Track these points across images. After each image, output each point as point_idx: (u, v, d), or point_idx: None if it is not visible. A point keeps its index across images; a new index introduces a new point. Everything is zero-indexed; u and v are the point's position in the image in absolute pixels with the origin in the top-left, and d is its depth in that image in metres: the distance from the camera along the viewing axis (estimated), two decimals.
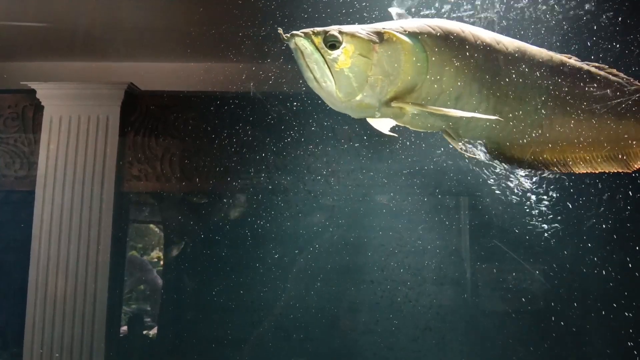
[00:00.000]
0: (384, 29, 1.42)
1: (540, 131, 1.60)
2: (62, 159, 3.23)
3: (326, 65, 1.36)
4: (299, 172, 3.06)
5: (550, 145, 1.62)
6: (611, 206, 2.54)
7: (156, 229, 3.86)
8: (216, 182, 3.28)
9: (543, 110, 1.59)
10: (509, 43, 1.56)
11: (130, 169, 3.33)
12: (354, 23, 1.47)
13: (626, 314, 2.52)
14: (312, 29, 1.36)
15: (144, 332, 3.56)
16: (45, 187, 3.21)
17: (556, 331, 2.69)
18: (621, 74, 1.70)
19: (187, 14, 3.02)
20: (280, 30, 1.34)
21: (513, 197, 2.60)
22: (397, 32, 1.41)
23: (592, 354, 2.64)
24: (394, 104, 1.42)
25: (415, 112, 1.45)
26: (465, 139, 1.57)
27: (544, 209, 2.60)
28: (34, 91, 3.26)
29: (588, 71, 1.66)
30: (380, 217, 2.90)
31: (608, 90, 1.67)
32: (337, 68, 1.36)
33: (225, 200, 3.31)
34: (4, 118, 3.35)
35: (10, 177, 3.31)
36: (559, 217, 2.64)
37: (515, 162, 1.61)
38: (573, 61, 1.66)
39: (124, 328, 3.43)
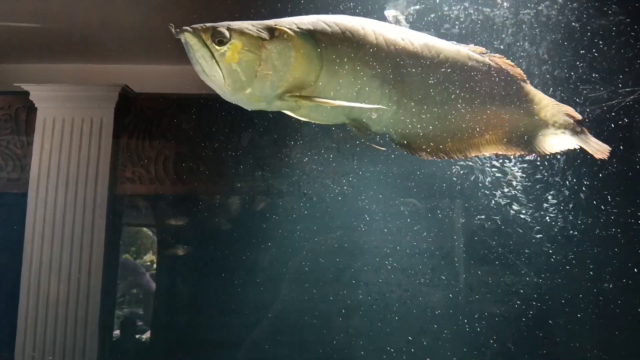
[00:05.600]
0: (275, 25, 1.46)
1: (446, 122, 1.67)
2: (55, 161, 3.22)
3: (214, 60, 1.41)
4: (294, 174, 3.06)
5: (455, 134, 1.70)
6: (605, 207, 2.56)
7: (149, 232, 3.84)
8: (210, 184, 3.28)
9: (448, 103, 1.65)
10: (416, 39, 1.62)
11: (124, 172, 3.31)
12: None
13: (622, 316, 2.54)
14: (202, 24, 1.42)
15: (137, 335, 3.54)
16: (38, 189, 3.19)
17: (551, 334, 2.71)
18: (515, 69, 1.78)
19: (182, 16, 3.02)
20: (171, 26, 1.39)
21: (507, 200, 2.62)
22: (289, 28, 1.46)
23: (587, 356, 2.66)
24: (286, 98, 1.47)
25: (312, 104, 1.50)
26: (370, 131, 1.62)
27: (538, 211, 2.62)
28: (27, 93, 3.24)
29: (489, 64, 1.73)
30: (374, 220, 2.91)
31: (503, 81, 1.76)
32: (225, 63, 1.41)
33: (219, 203, 3.31)
34: None
35: (3, 179, 3.29)
36: (553, 219, 2.66)
37: (419, 151, 1.68)
38: (477, 55, 1.73)
39: (117, 332, 3.41)
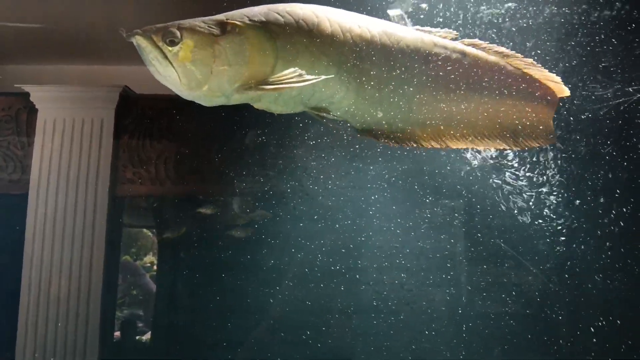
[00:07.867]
0: (227, 19, 1.46)
1: (409, 111, 1.65)
2: (56, 162, 3.22)
3: (167, 61, 1.41)
4: (296, 174, 3.06)
5: (424, 124, 1.67)
6: (612, 205, 2.56)
7: (149, 233, 3.84)
8: (211, 185, 3.28)
9: (411, 91, 1.63)
10: (373, 26, 1.60)
11: (125, 173, 3.31)
12: None
13: (626, 316, 2.54)
14: (154, 26, 1.43)
15: (137, 337, 3.53)
16: (38, 190, 3.18)
17: (557, 334, 2.71)
18: (505, 51, 1.74)
19: (182, 17, 3.02)
20: (121, 30, 1.40)
21: (512, 199, 2.62)
22: (241, 21, 1.46)
23: (590, 356, 2.66)
24: (244, 91, 1.47)
25: (275, 94, 1.50)
26: (330, 118, 1.61)
27: (540, 211, 2.62)
28: (27, 94, 3.24)
29: (462, 51, 1.69)
30: (377, 219, 2.91)
31: (483, 70, 1.70)
32: (179, 63, 1.41)
33: (220, 203, 3.31)
34: None
35: (4, 180, 3.28)
36: (555, 218, 2.67)
37: (383, 138, 1.67)
38: (447, 41, 1.69)
39: (117, 333, 3.41)
